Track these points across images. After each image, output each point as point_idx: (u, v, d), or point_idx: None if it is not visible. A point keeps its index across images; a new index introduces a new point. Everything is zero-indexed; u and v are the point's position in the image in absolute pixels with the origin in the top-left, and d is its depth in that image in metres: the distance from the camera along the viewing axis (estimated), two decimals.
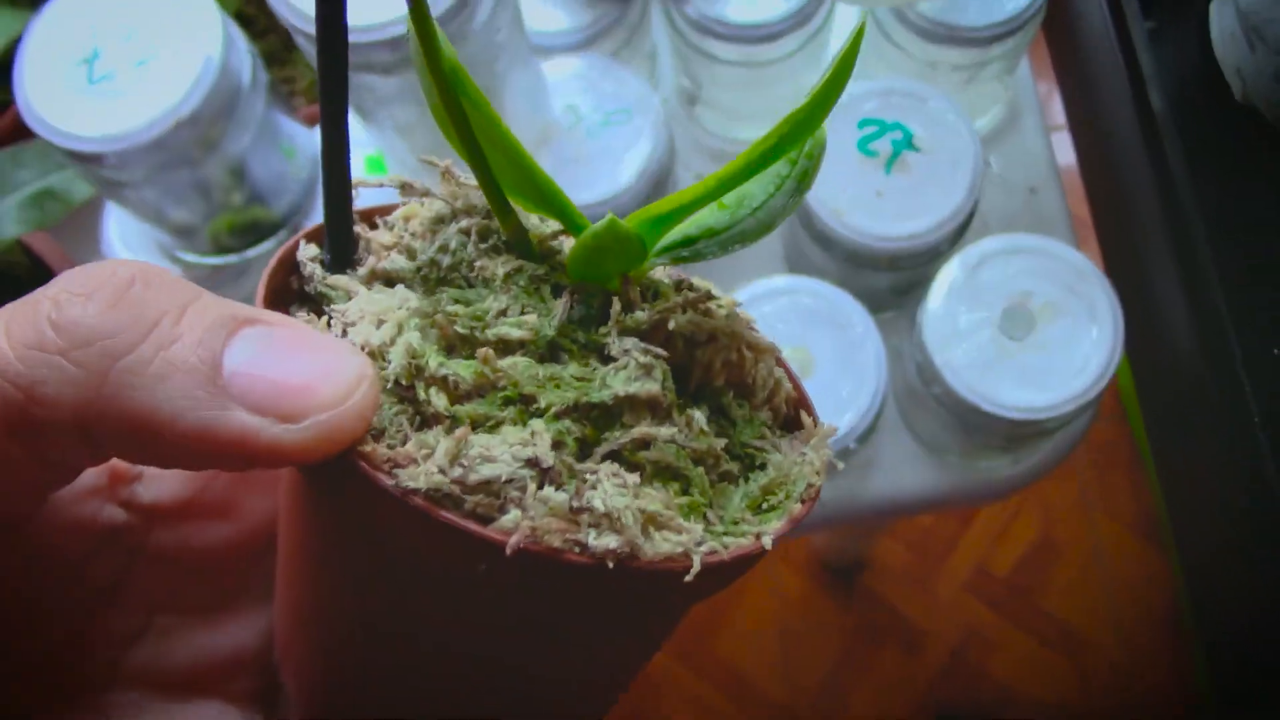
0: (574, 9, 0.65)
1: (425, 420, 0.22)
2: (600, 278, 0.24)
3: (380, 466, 0.21)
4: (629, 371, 0.23)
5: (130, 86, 0.51)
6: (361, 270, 0.25)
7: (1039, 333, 0.57)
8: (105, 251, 0.65)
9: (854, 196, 0.58)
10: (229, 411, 0.19)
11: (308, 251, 0.25)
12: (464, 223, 0.25)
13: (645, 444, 0.23)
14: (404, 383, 0.22)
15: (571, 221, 0.25)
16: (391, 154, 0.63)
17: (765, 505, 0.25)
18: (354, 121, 0.63)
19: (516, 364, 0.23)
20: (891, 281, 0.63)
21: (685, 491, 0.23)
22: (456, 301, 0.24)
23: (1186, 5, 0.62)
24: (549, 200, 0.25)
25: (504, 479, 0.21)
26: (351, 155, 0.23)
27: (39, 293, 0.19)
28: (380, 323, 0.23)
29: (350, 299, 0.24)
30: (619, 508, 0.21)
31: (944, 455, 0.67)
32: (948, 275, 0.58)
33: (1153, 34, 0.63)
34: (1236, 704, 0.70)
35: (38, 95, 0.51)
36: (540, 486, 0.21)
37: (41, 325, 0.19)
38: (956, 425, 0.60)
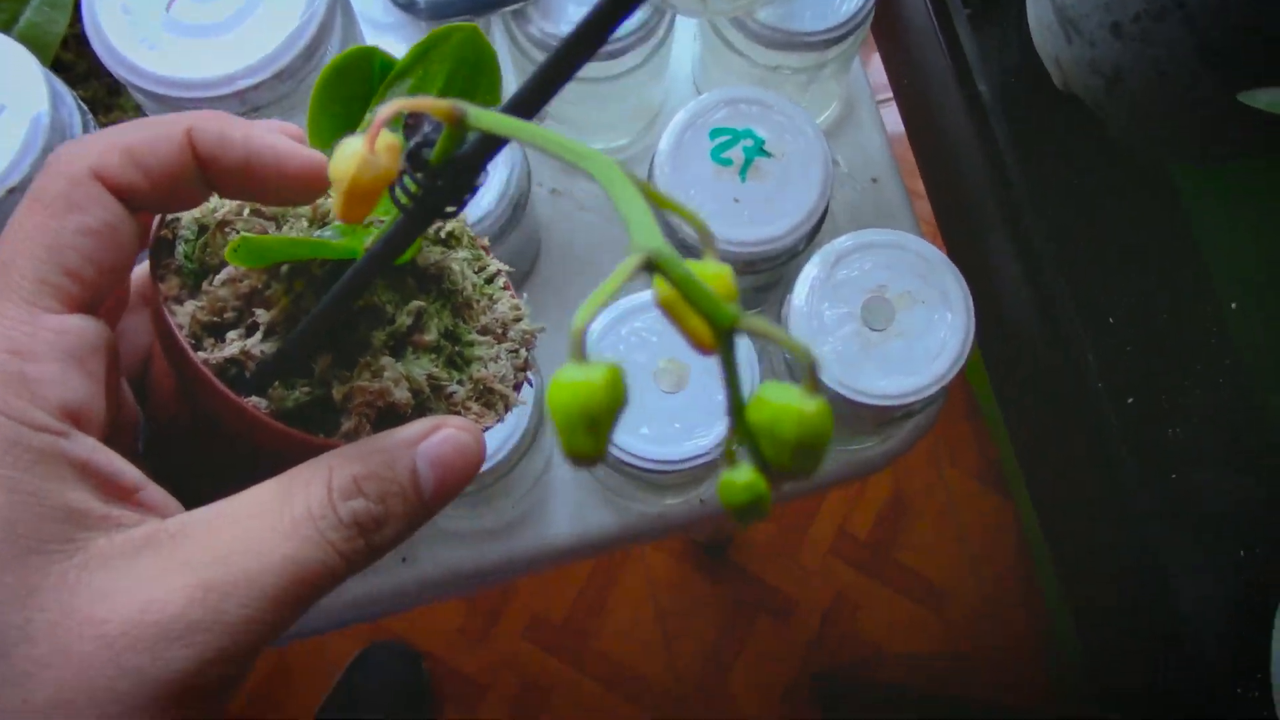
0: None
1: None
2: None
3: None
4: None
5: None
6: None
7: (898, 322, 0.59)
8: None
9: (713, 205, 0.60)
10: None
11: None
12: None
13: None
14: None
15: None
16: None
17: None
18: None
19: None
20: (754, 282, 0.65)
21: None
22: None
23: None
24: None
25: None
26: None
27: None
28: None
29: None
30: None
31: None
32: (809, 274, 0.60)
33: (972, 20, 0.67)
34: (1096, 651, 0.75)
35: None
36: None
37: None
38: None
